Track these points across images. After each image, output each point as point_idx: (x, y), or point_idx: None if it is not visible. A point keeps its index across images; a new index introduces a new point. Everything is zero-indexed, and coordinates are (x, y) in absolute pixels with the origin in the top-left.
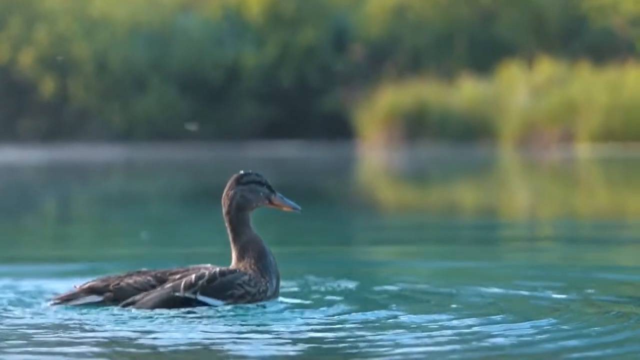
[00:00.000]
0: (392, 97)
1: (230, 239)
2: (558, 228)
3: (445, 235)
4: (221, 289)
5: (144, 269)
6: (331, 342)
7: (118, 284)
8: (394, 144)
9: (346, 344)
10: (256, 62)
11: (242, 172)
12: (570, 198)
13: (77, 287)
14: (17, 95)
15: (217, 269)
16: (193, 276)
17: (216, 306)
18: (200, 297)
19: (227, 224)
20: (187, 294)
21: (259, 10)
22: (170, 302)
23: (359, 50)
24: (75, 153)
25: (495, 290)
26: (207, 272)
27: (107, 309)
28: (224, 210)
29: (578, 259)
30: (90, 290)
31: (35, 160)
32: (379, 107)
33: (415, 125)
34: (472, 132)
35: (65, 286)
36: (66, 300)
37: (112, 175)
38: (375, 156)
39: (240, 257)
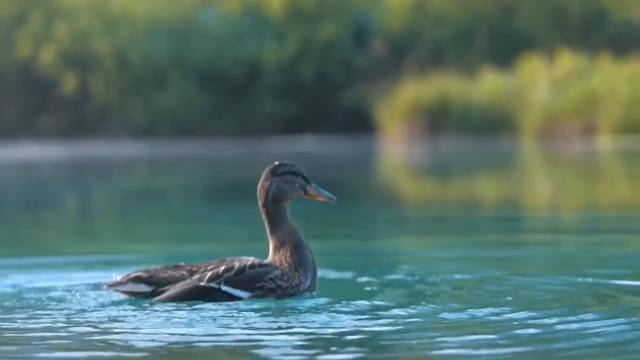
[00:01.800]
0: (413, 91)
1: (268, 230)
2: (580, 220)
3: (467, 227)
4: (248, 280)
5: (181, 263)
6: (365, 338)
7: (155, 277)
8: (415, 138)
9: (382, 340)
10: (277, 58)
11: (276, 163)
12: (592, 190)
13: (118, 277)
14: (38, 92)
15: (249, 262)
16: (222, 268)
17: (241, 298)
18: (224, 288)
19: (264, 216)
20: (211, 284)
21: (279, 5)
22: (194, 293)
23: (379, 44)
24: (96, 149)
25: (522, 280)
26: (237, 264)
27: (132, 302)
28: (260, 202)
29: (600, 249)
30: (137, 279)
31: (56, 157)
32: (400, 101)
33: (437, 119)
34: (493, 125)
35: (89, 278)
36: (115, 285)
37: (133, 171)
38: (396, 150)
39: (277, 250)
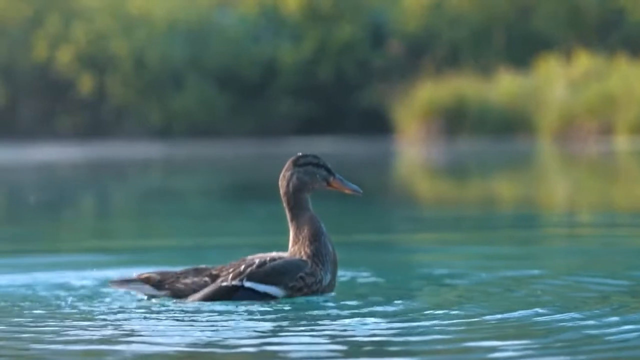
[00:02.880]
0: (430, 91)
1: (288, 220)
2: (597, 220)
3: (487, 226)
4: (272, 274)
5: (202, 266)
6: (396, 342)
7: (174, 283)
8: (432, 139)
9: (417, 345)
10: (293, 58)
11: (299, 153)
12: (610, 191)
13: (136, 275)
14: (55, 93)
15: (269, 256)
16: (243, 266)
17: (267, 294)
18: (247, 284)
19: (284, 205)
20: (234, 283)
21: (296, 6)
22: (218, 295)
23: (396, 45)
24: (113, 150)
25: (554, 279)
26: (257, 261)
27: (155, 303)
28: (281, 191)
29: (618, 247)
30: (147, 280)
31: (73, 158)
32: (417, 101)
33: (454, 120)
34: (510, 126)
35: (107, 276)
36: (122, 282)
37: (150, 172)
38: (413, 151)
39: (296, 239)
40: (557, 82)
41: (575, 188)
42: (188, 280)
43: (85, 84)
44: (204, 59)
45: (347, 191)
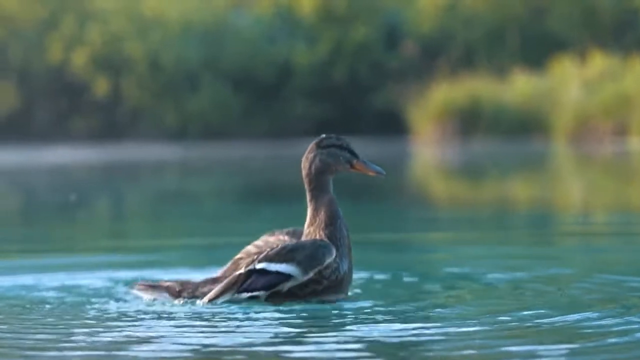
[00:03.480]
0: (444, 92)
1: (307, 200)
2: (613, 220)
3: (504, 226)
4: (282, 252)
5: (218, 275)
6: (419, 347)
7: (193, 292)
8: (447, 140)
9: (442, 350)
10: (308, 60)
11: (323, 135)
12: (625, 191)
13: (161, 282)
14: (70, 95)
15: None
16: (256, 255)
17: (280, 271)
18: (259, 265)
19: (306, 187)
20: (248, 268)
21: (311, 7)
22: (232, 285)
23: (411, 46)
24: (129, 152)
25: (576, 280)
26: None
27: (170, 304)
28: (303, 173)
29: (636, 246)
30: (167, 290)
31: (88, 160)
32: (432, 103)
33: (468, 121)
34: (525, 127)
35: (123, 277)
36: (147, 287)
37: (165, 174)
38: (428, 152)
39: (311, 222)
40: (571, 82)
41: (590, 189)
42: (206, 289)
43: (100, 86)
44: (219, 60)
45: (370, 173)
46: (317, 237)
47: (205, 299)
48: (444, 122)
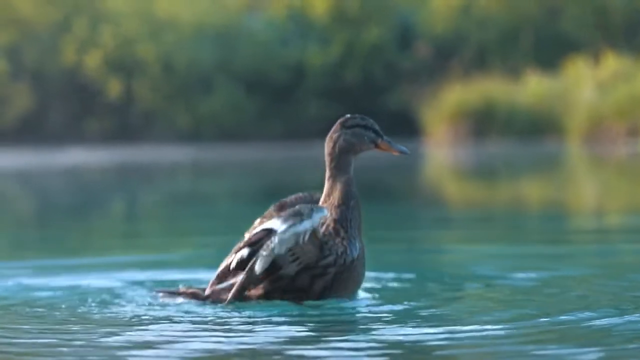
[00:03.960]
0: (458, 94)
1: (326, 178)
2: (627, 221)
3: (519, 227)
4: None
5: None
6: (440, 353)
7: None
8: (460, 141)
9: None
10: (321, 61)
11: (347, 115)
12: (638, 192)
13: (182, 287)
14: (83, 97)
15: None
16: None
17: (265, 228)
18: (266, 225)
19: (327, 164)
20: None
21: (324, 9)
22: (245, 261)
23: (424, 47)
24: (142, 154)
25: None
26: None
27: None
28: (325, 151)
29: None
30: (193, 296)
31: (101, 162)
32: (445, 104)
33: (482, 122)
34: (538, 128)
35: (140, 278)
36: (169, 294)
37: (178, 176)
38: (442, 153)
39: (327, 197)
40: (585, 83)
41: (604, 190)
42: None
43: (114, 88)
44: (232, 62)
45: (395, 152)
46: (329, 215)
47: (230, 300)
48: (457, 123)
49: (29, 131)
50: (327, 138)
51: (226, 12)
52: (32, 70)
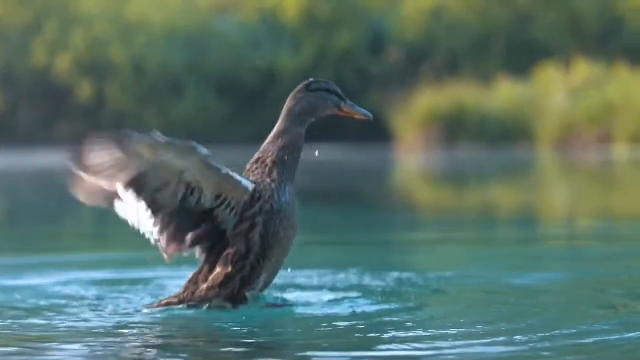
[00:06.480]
0: (429, 99)
1: (277, 125)
2: (595, 228)
3: (483, 233)
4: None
5: None
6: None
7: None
8: (431, 147)
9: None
10: (293, 65)
11: (311, 79)
12: (609, 199)
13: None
14: (54, 99)
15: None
16: None
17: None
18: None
19: (282, 117)
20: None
21: (295, 13)
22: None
23: (395, 52)
24: None
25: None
26: None
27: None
28: (286, 106)
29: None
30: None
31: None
32: (416, 109)
33: (453, 128)
34: (510, 134)
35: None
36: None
37: None
38: (412, 159)
39: (275, 139)
40: (556, 90)
41: (574, 196)
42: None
43: (84, 90)
44: (203, 65)
45: (357, 116)
46: (270, 153)
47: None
48: (428, 128)
49: None
50: (291, 96)
51: (198, 15)
52: (2, 72)
